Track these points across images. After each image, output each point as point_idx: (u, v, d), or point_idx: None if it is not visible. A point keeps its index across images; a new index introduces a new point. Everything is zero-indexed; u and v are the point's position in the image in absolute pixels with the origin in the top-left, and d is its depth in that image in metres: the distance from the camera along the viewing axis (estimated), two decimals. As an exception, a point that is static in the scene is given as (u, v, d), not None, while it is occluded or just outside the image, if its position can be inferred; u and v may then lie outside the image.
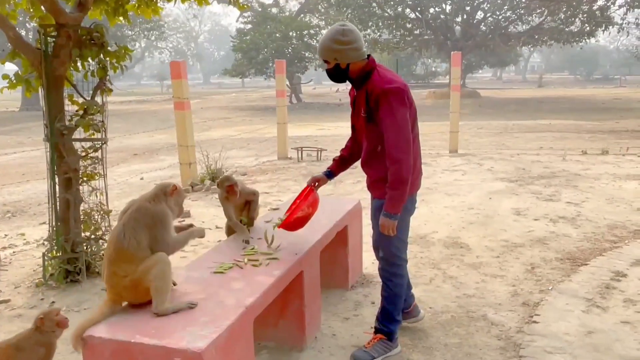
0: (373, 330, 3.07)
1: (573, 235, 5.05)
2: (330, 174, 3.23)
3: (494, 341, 3.16)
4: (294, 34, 30.37)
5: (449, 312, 3.57)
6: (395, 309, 3.01)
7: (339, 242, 3.79)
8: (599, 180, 7.40)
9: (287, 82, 29.61)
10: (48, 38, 4.18)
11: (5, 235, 5.99)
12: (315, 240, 3.21)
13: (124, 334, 2.10)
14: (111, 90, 4.56)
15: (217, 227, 5.77)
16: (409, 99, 2.73)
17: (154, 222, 2.42)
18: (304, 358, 3.01)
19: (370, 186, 3.02)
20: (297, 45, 30.16)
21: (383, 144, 2.74)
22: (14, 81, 4.21)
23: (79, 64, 4.44)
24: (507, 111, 22.52)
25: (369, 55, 2.78)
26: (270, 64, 28.22)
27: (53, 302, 3.98)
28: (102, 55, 4.46)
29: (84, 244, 4.39)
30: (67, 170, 4.26)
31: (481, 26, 30.65)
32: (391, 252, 2.95)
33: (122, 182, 9.04)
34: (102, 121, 4.52)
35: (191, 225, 2.76)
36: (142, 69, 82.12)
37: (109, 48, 4.51)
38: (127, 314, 2.31)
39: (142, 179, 9.56)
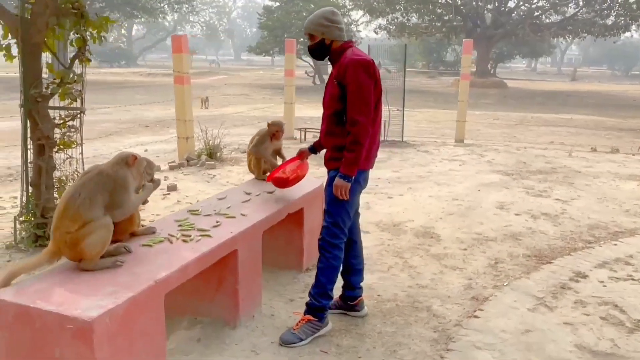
0: (304, 311, 3.08)
1: (549, 233, 4.95)
2: (313, 148, 3.51)
3: (429, 332, 3.13)
4: (322, 14, 30.05)
5: (396, 300, 3.55)
6: (329, 282, 3.02)
7: (294, 223, 3.79)
8: (597, 179, 7.21)
9: (312, 63, 29.54)
10: (26, 5, 4.23)
11: (0, 197, 6.15)
12: (257, 220, 3.21)
13: (27, 299, 2.15)
14: (89, 60, 4.60)
15: (197, 201, 5.82)
16: (375, 74, 2.93)
17: (115, 186, 2.51)
18: (235, 335, 3.03)
19: (330, 158, 3.07)
20: (324, 26, 29.86)
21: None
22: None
23: (58, 32, 4.48)
24: (531, 103, 22.03)
25: (349, 40, 3.08)
26: (297, 44, 28.10)
27: (17, 264, 4.09)
28: (81, 25, 4.48)
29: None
30: (40, 137, 4.34)
31: (513, 14, 29.85)
32: (336, 221, 2.99)
33: (126, 152, 9.14)
34: (80, 90, 4.57)
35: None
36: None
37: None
38: (47, 277, 2.36)
39: (146, 150, 9.68)
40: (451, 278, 3.94)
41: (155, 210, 5.49)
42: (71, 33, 4.55)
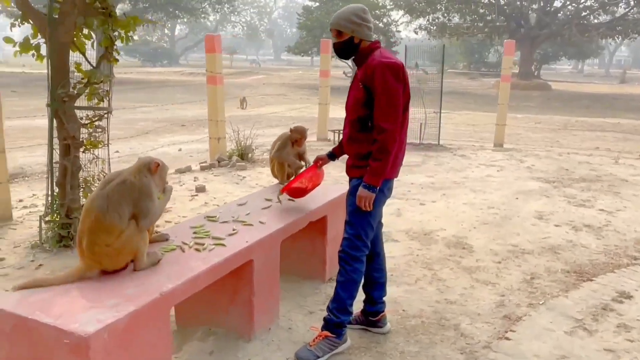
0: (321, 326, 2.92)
1: (592, 247, 4.64)
2: (333, 155, 3.32)
3: (455, 354, 2.93)
4: (361, 14, 29.88)
5: (422, 317, 3.35)
6: (349, 297, 2.86)
7: (316, 232, 3.64)
8: (646, 189, 6.80)
9: (350, 63, 29.32)
10: (55, 4, 4.22)
11: (34, 194, 6.21)
12: (275, 228, 3.07)
13: (26, 309, 2.06)
14: (117, 60, 4.56)
15: (225, 204, 5.73)
16: (404, 78, 2.77)
17: (140, 195, 2.45)
18: (249, 349, 2.90)
19: (352, 165, 2.92)
20: (363, 26, 29.69)
21: (373, 118, 2.76)
22: (17, 48, 4.28)
23: (85, 31, 4.45)
24: (577, 107, 21.26)
25: (377, 41, 2.92)
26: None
27: (40, 264, 4.07)
28: (109, 25, 4.44)
29: (80, 211, 4.46)
30: (66, 136, 4.32)
31: (559, 14, 28.90)
32: (359, 233, 2.83)
33: (161, 152, 9.19)
34: (107, 90, 4.54)
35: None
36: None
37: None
38: (55, 289, 2.27)
39: (180, 150, 9.72)
40: (482, 294, 3.70)
41: (182, 212, 5.43)
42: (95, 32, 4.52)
